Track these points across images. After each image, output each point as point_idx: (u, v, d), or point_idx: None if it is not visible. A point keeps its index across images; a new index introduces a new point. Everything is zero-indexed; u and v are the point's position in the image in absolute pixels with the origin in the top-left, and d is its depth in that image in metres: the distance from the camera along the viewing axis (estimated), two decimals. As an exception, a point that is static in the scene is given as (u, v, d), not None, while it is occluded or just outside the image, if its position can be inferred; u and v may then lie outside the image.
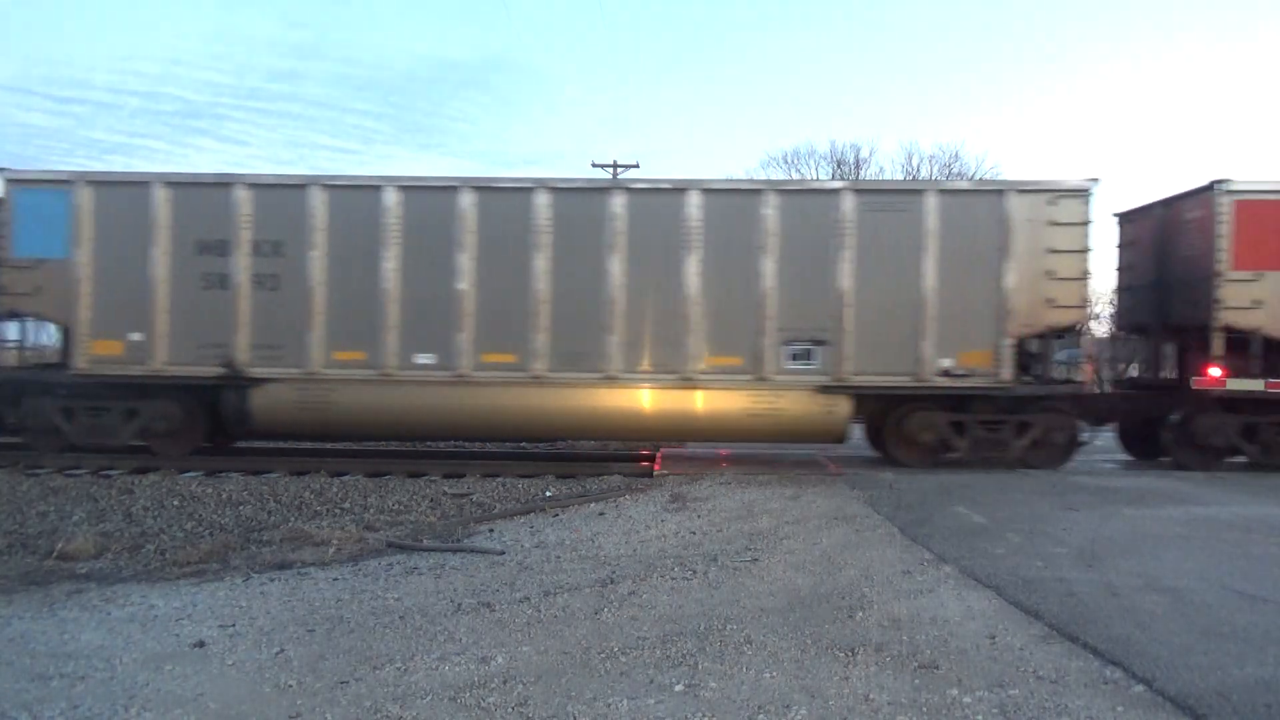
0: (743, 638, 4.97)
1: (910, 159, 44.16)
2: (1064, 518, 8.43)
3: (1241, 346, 12.00)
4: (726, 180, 12.17)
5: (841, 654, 4.68)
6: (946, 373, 11.73)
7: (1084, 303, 11.87)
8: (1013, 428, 12.00)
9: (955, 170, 41.83)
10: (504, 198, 12.04)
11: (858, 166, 41.62)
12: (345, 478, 11.58)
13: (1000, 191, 11.92)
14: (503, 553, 7.47)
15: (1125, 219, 14.62)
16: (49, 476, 11.19)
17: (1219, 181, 12.28)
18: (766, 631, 5.09)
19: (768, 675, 4.39)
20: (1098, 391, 13.54)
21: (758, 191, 12.01)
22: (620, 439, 13.81)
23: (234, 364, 11.96)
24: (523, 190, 11.99)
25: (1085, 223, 11.81)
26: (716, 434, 12.52)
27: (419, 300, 11.97)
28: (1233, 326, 11.93)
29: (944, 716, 3.89)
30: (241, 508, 9.56)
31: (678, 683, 4.31)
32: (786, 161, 42.85)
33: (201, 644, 5.04)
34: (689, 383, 11.87)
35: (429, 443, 14.68)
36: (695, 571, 6.57)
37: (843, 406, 11.88)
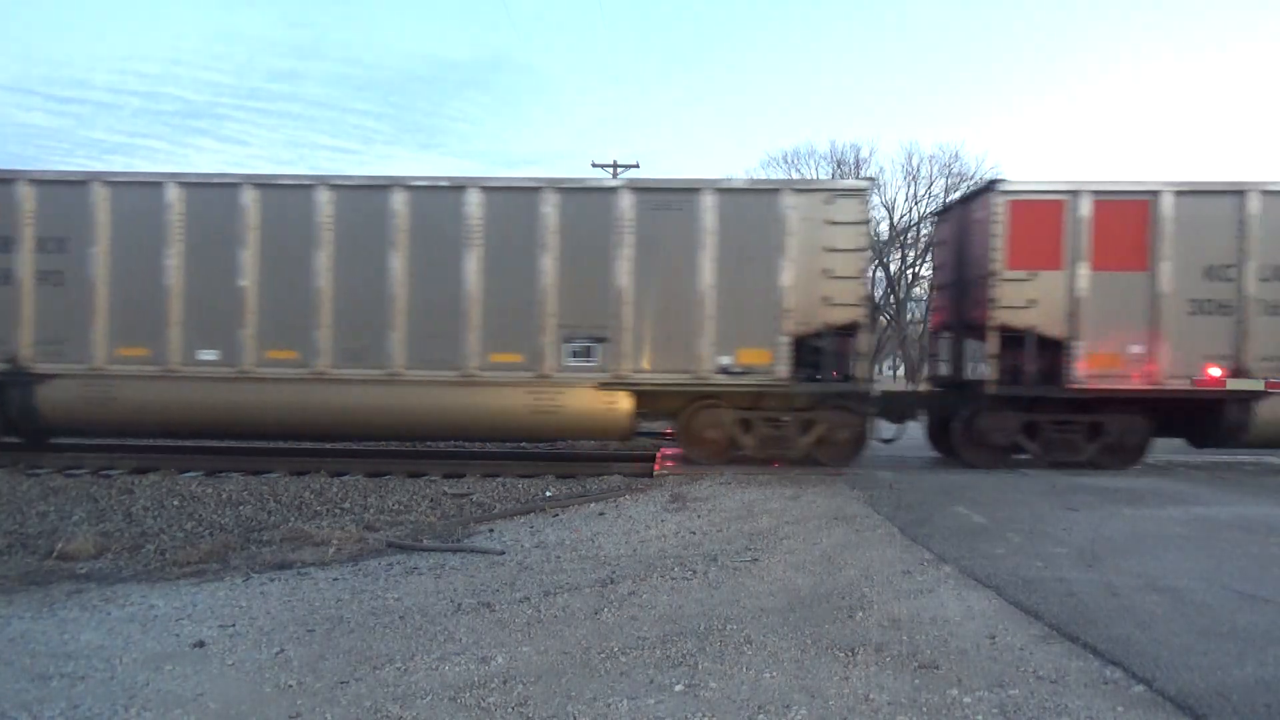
0: (743, 638, 4.97)
1: (910, 159, 44.17)
2: (1064, 518, 8.43)
3: (1019, 345, 12.16)
4: (506, 178, 12.28)
5: (841, 654, 4.68)
6: (725, 370, 11.85)
7: (862, 301, 11.93)
8: (797, 425, 12.16)
9: (955, 170, 41.85)
10: (286, 194, 12.09)
11: (858, 166, 41.66)
12: (345, 478, 11.58)
13: (776, 190, 12.00)
14: (503, 553, 7.48)
15: (938, 218, 14.69)
16: (49, 476, 11.20)
17: (995, 181, 12.41)
18: (766, 631, 5.09)
19: (768, 675, 4.39)
20: (877, 389, 13.76)
21: (537, 189, 12.01)
22: (403, 438, 13.72)
23: (17, 359, 12.02)
24: (304, 187, 12.07)
25: (862, 222, 11.95)
26: (501, 432, 12.56)
27: (202, 296, 12.04)
28: (1008, 325, 12.02)
29: (944, 716, 3.89)
30: (241, 508, 9.57)
31: (678, 683, 4.31)
32: (786, 161, 42.92)
33: (201, 644, 5.04)
34: (471, 380, 11.94)
35: (429, 443, 14.69)
36: (695, 571, 6.57)
37: (624, 403, 11.94)
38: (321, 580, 6.59)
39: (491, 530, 8.65)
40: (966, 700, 4.03)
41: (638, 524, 8.62)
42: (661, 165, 75.44)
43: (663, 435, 14.84)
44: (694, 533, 8.16)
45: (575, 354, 11.94)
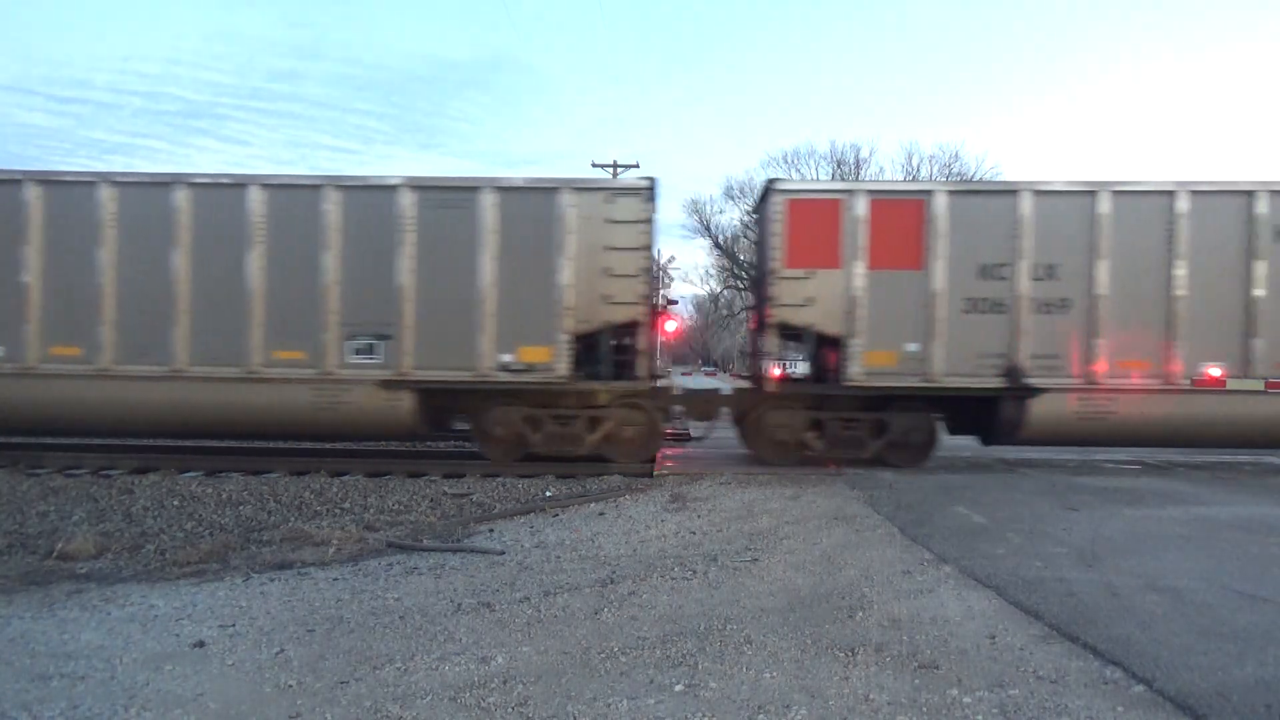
0: (743, 638, 4.97)
1: (910, 159, 44.20)
2: (1064, 518, 8.43)
3: (799, 342, 12.27)
4: (287, 175, 12.31)
5: (841, 654, 4.68)
6: (506, 368, 11.88)
7: (643, 300, 11.92)
8: (585, 422, 12.20)
9: (956, 170, 41.85)
10: (70, 192, 12.07)
11: (858, 166, 41.68)
12: (345, 478, 11.59)
13: (555, 189, 11.96)
14: (503, 553, 7.48)
15: (755, 217, 14.69)
16: (49, 476, 11.21)
17: (774, 181, 12.38)
18: (766, 631, 5.09)
19: (768, 675, 4.39)
20: (678, 387, 13.90)
21: (318, 187, 12.01)
22: (189, 435, 13.57)
23: None
24: (85, 184, 12.06)
25: (643, 221, 11.93)
26: (285, 429, 12.48)
27: None
28: (787, 323, 12.05)
29: (944, 716, 3.89)
30: (241, 508, 9.57)
31: (678, 683, 4.32)
32: (786, 161, 42.95)
33: (201, 644, 5.05)
34: (254, 376, 11.93)
35: (428, 443, 14.68)
36: (695, 571, 6.57)
37: (406, 401, 11.92)
38: (321, 580, 6.59)
39: (491, 530, 8.65)
40: (966, 700, 4.03)
41: (638, 524, 8.62)
42: (663, 165, 75.43)
43: (458, 435, 14.64)
44: (694, 533, 8.16)
45: (358, 351, 11.95)
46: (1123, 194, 11.79)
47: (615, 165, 34.95)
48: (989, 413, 12.13)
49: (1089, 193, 11.80)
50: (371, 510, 9.50)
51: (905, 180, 10.77)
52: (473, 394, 12.20)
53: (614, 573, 6.63)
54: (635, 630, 5.19)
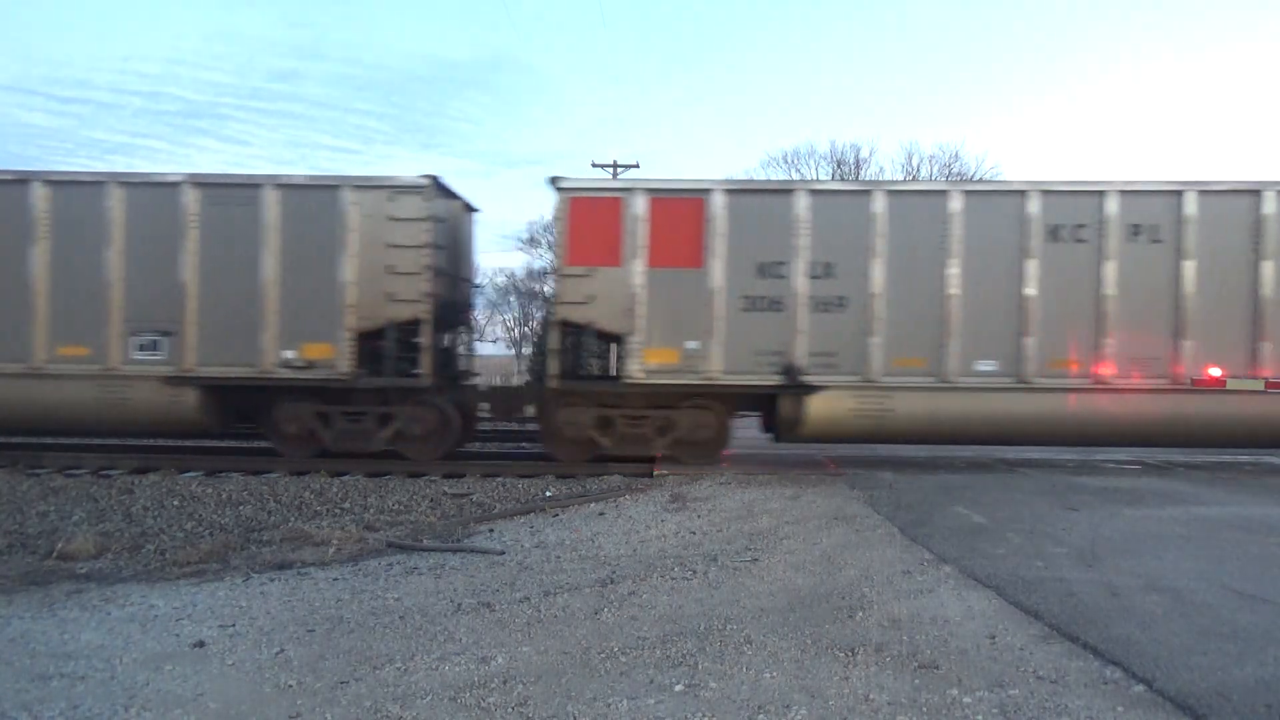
0: (743, 638, 4.97)
1: (910, 159, 44.19)
2: (1064, 518, 8.43)
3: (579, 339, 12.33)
4: (71, 172, 12.37)
5: (841, 654, 4.68)
6: (288, 364, 11.96)
7: (424, 297, 11.98)
8: (375, 419, 12.30)
9: (955, 170, 41.84)
10: None
11: (858, 166, 41.65)
12: (345, 478, 11.59)
13: (336, 187, 12.02)
14: (503, 553, 7.48)
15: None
16: (49, 476, 11.21)
17: (557, 177, 12.38)
18: (766, 631, 5.09)
19: (768, 675, 4.39)
20: (481, 383, 14.16)
21: (100, 184, 12.04)
22: None
23: None
24: None
25: (423, 219, 11.99)
26: (73, 425, 12.53)
27: None
28: (569, 320, 12.05)
29: (944, 716, 3.89)
30: (241, 508, 9.57)
31: (678, 683, 4.31)
32: (786, 161, 42.89)
33: (201, 644, 5.05)
34: (38, 372, 11.97)
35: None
36: (695, 571, 6.57)
37: (190, 397, 11.99)
38: (321, 580, 6.59)
39: (491, 530, 8.65)
40: (966, 700, 4.03)
41: (638, 524, 8.62)
42: (664, 165, 75.50)
43: (246, 431, 14.47)
44: (694, 533, 8.16)
45: (142, 348, 12.02)
46: (897, 193, 11.89)
47: (615, 165, 34.95)
48: (771, 410, 12.21)
49: (864, 192, 11.95)
50: (371, 510, 9.50)
51: (684, 179, 10.81)
52: (260, 391, 12.25)
53: (614, 573, 6.63)
54: (635, 630, 5.19)
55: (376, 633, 5.26)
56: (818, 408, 11.78)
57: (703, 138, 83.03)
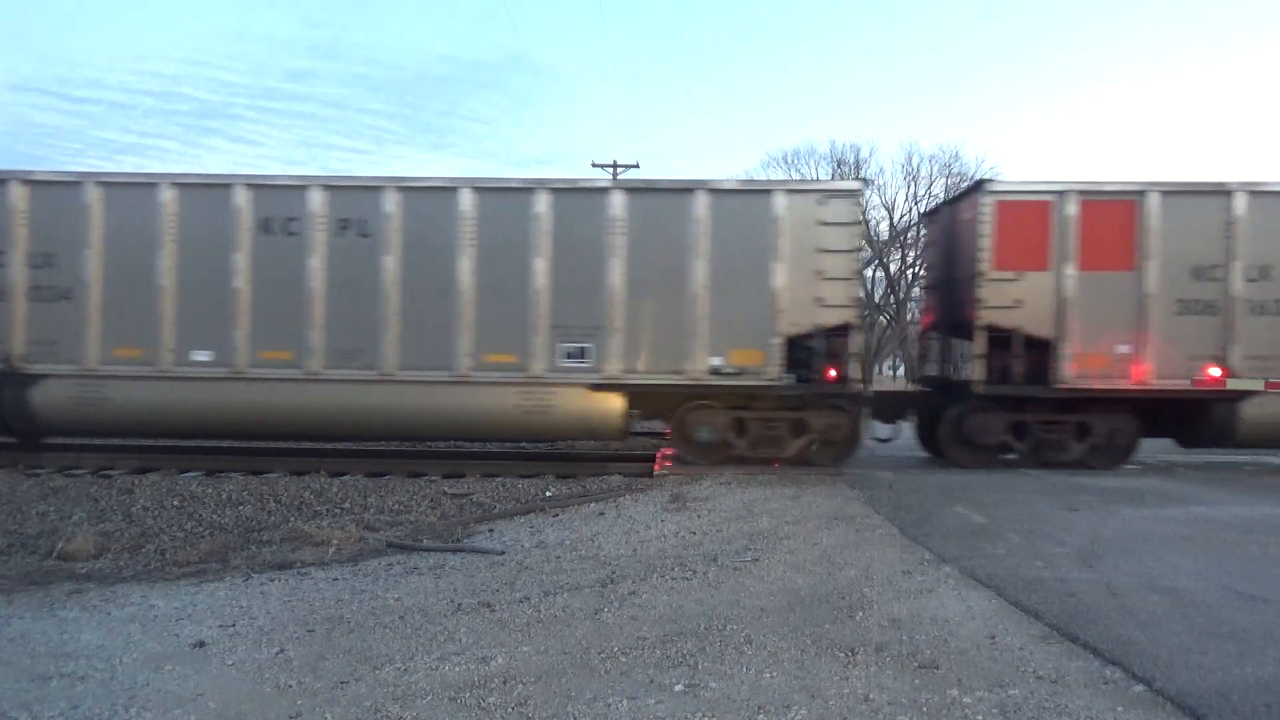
0: (743, 638, 4.97)
1: (910, 159, 44.20)
2: (1064, 518, 8.43)
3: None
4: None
5: (841, 654, 4.68)
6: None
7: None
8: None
9: (955, 170, 41.85)
10: None
11: (858, 166, 41.67)
12: (345, 478, 11.58)
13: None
14: (503, 553, 7.48)
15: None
16: (49, 476, 11.20)
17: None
18: (766, 631, 5.09)
19: (768, 675, 4.39)
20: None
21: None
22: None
23: None
24: None
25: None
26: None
27: None
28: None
29: (944, 716, 3.89)
30: (241, 508, 9.57)
31: (678, 683, 4.31)
32: (786, 161, 42.94)
33: (201, 644, 5.04)
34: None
35: (429, 443, 14.68)
36: (695, 571, 6.57)
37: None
38: (321, 580, 6.59)
39: (491, 530, 8.65)
40: (966, 700, 4.03)
41: (638, 524, 8.62)
42: (667, 165, 75.60)
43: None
44: (694, 533, 8.15)
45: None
46: (108, 185, 11.94)
47: (615, 165, 34.95)
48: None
49: (75, 184, 11.93)
50: (371, 510, 9.50)
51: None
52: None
53: (614, 573, 6.63)
54: (635, 630, 5.19)
55: (376, 633, 5.25)
56: (40, 397, 11.85)
57: (708, 138, 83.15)
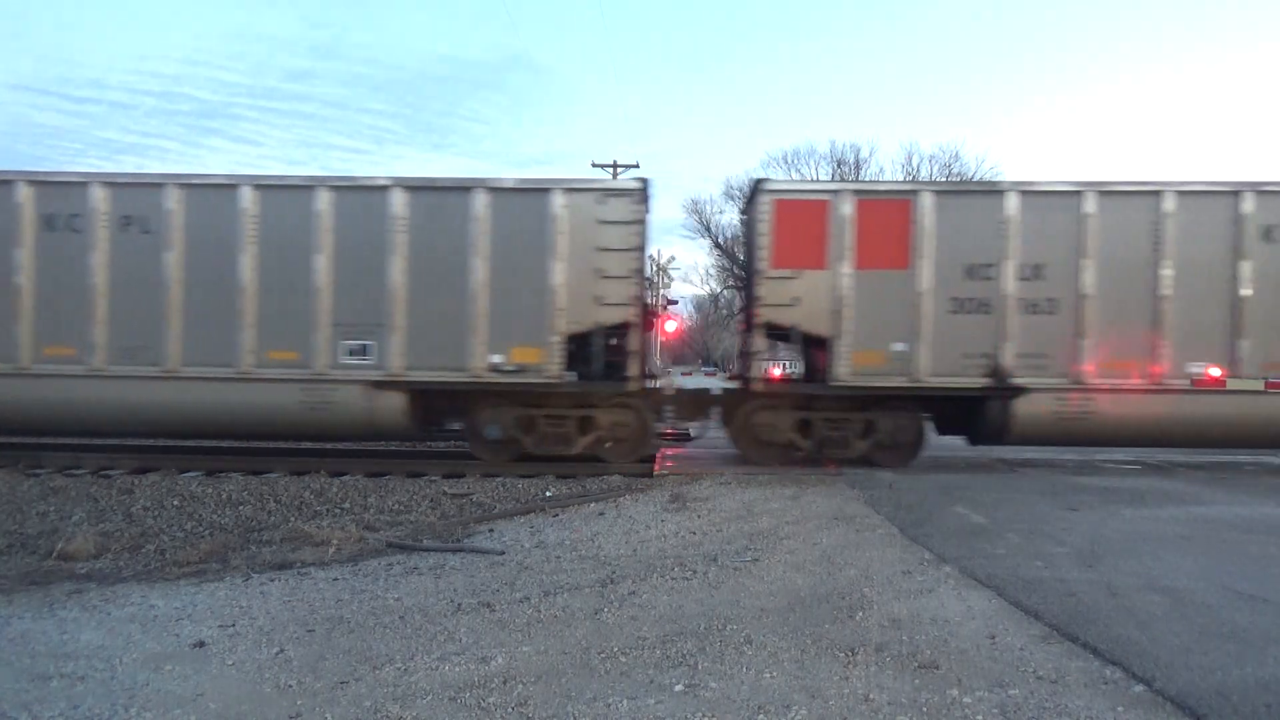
0: (743, 638, 4.97)
1: (910, 159, 44.22)
2: (1064, 518, 8.43)
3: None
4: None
5: (841, 654, 4.68)
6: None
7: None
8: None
9: (955, 170, 41.85)
10: None
11: (858, 166, 41.69)
12: (345, 478, 11.59)
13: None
14: (503, 553, 7.48)
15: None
16: (49, 476, 11.20)
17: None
18: (766, 631, 5.08)
19: (768, 675, 4.39)
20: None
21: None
22: None
23: None
24: None
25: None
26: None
27: None
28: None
29: (944, 716, 3.89)
30: (241, 508, 9.57)
31: (678, 683, 4.31)
32: (786, 161, 42.97)
33: (201, 644, 5.05)
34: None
35: (429, 443, 14.69)
36: (695, 571, 6.57)
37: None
38: (321, 580, 6.59)
39: (491, 530, 8.65)
40: (966, 700, 4.03)
41: (638, 524, 8.62)
42: (668, 165, 75.56)
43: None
44: (694, 533, 8.15)
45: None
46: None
47: (615, 165, 34.97)
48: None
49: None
50: (371, 510, 9.51)
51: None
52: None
53: (614, 573, 6.63)
54: (635, 630, 5.19)
55: (376, 633, 5.25)
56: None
57: (709, 138, 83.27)
